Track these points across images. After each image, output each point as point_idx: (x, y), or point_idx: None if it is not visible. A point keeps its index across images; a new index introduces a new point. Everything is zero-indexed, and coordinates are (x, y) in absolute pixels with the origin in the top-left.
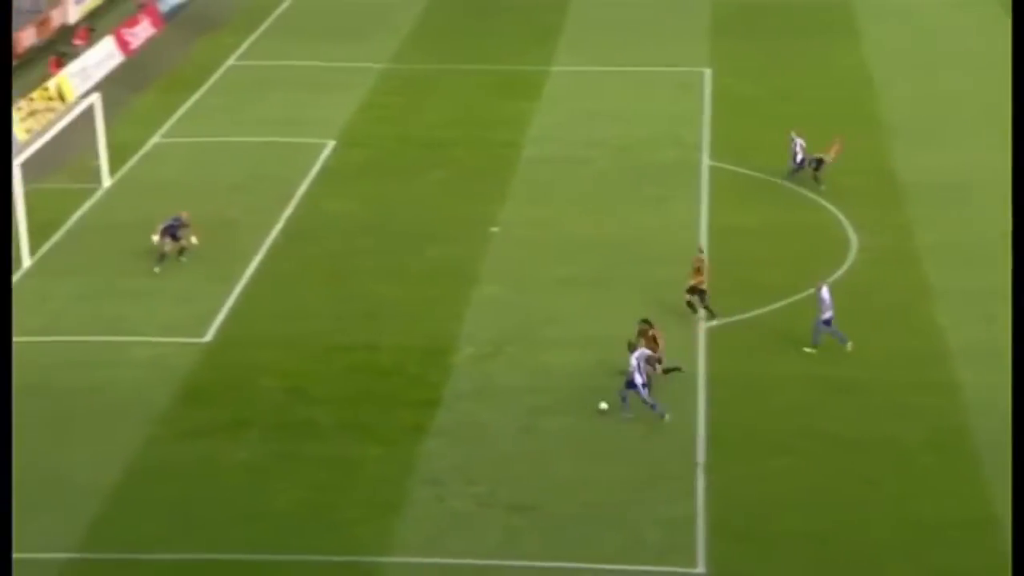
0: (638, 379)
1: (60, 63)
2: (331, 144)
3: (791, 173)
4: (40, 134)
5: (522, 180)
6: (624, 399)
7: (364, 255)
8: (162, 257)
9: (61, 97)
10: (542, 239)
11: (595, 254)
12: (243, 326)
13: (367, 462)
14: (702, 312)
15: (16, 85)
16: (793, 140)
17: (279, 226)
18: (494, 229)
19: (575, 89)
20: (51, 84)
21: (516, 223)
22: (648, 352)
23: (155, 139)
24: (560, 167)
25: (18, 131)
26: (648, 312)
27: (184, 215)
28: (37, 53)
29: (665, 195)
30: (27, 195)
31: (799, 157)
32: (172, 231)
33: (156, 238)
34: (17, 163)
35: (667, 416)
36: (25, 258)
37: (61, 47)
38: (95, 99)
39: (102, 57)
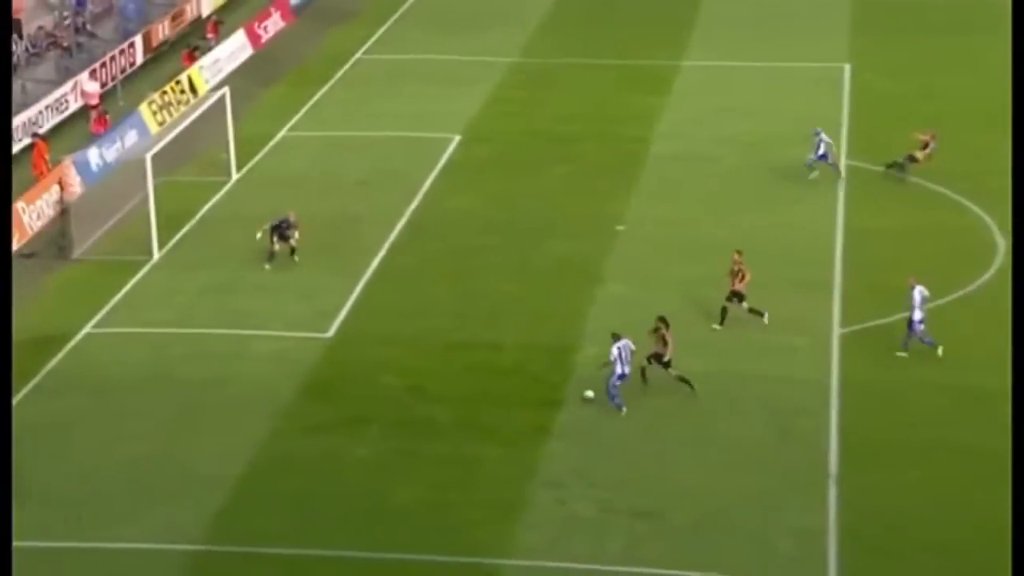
0: (618, 368)
1: (193, 57)
2: (456, 139)
3: (810, 164)
4: (172, 127)
5: (649, 177)
6: (616, 396)
7: (487, 252)
8: (271, 256)
9: (193, 90)
10: (668, 238)
11: (722, 255)
12: (365, 322)
13: (487, 462)
14: (741, 315)
15: (149, 78)
16: (817, 134)
17: (403, 222)
18: (620, 227)
19: (706, 84)
20: (183, 77)
21: (642, 221)
22: (632, 346)
23: (283, 132)
24: (689, 164)
25: (151, 123)
26: (776, 314)
27: (292, 216)
28: (171, 47)
29: (798, 195)
30: (157, 188)
31: (821, 151)
32: (281, 231)
33: (260, 235)
34: (149, 156)
35: (624, 410)
36: (154, 250)
37: (194, 40)
38: (225, 92)
39: (233, 50)
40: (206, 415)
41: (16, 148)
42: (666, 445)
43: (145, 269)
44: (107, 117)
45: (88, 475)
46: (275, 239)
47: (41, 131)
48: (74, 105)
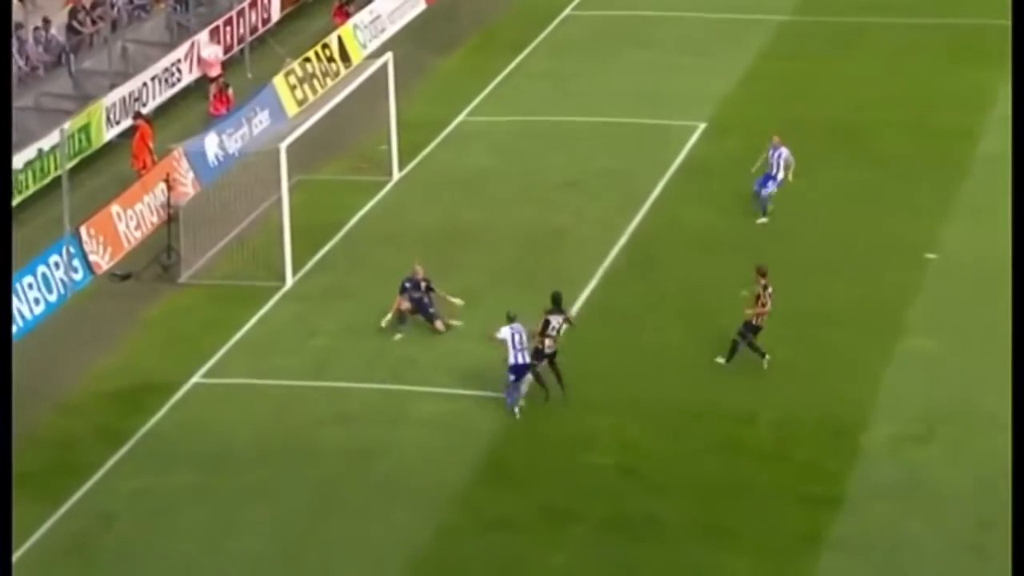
0: (510, 357)
1: (346, 12)
2: (700, 128)
3: (758, 189)
4: (314, 107)
5: (974, 186)
6: (513, 392)
7: (735, 286)
8: (402, 319)
9: (345, 58)
10: (996, 273)
11: None
12: (567, 378)
13: None
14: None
15: (288, 41)
16: (775, 148)
17: (622, 241)
18: (930, 256)
19: None
20: (332, 40)
21: (960, 248)
22: (525, 330)
23: (462, 116)
24: None
25: (288, 102)
26: None
27: (418, 271)
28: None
29: None
30: (293, 189)
31: (775, 172)
32: (414, 299)
33: (385, 323)
34: (283, 146)
35: (517, 413)
36: (287, 274)
37: None
38: (387, 61)
39: (399, 4)
40: (348, 500)
41: (111, 133)
42: (994, 566)
43: (274, 299)
44: (230, 93)
45: None
46: (406, 305)
47: (144, 110)
48: (188, 77)
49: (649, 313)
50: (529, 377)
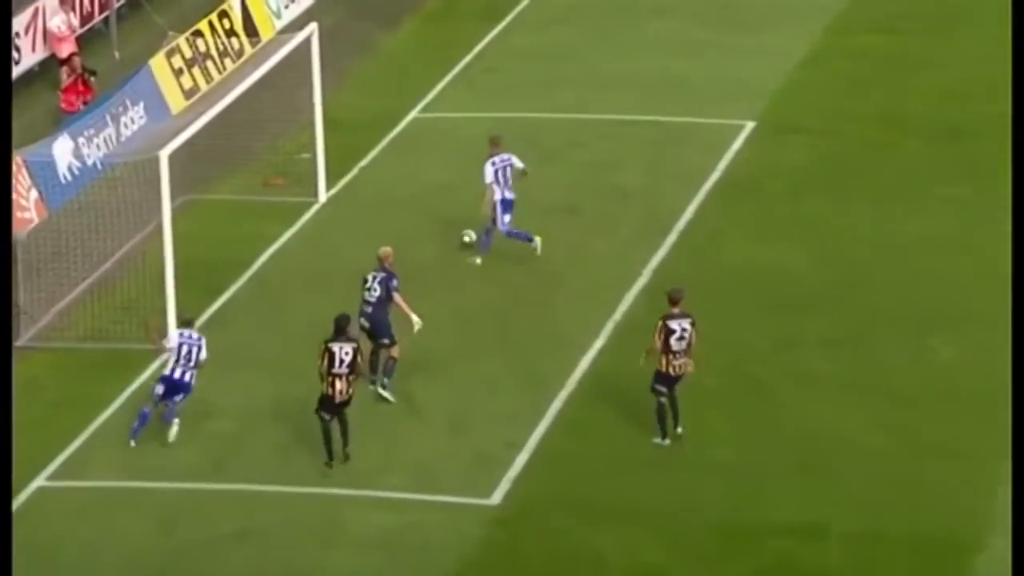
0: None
1: None
2: (746, 129)
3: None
4: (208, 100)
5: None
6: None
7: (798, 348)
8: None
9: (250, 31)
10: None
11: None
12: (563, 476)
13: None
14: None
15: (175, 7)
16: (498, 159)
17: (639, 286)
18: None
19: None
20: (233, 5)
21: None
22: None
23: (413, 112)
24: None
25: (171, 93)
26: None
27: (385, 254)
28: None
29: None
30: (180, 213)
31: (504, 193)
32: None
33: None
34: (164, 153)
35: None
36: (169, 333)
37: None
38: (310, 35)
39: None
40: None
41: None
42: None
43: (152, 367)
44: (90, 80)
45: None
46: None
47: None
48: (30, 57)
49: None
50: (175, 403)
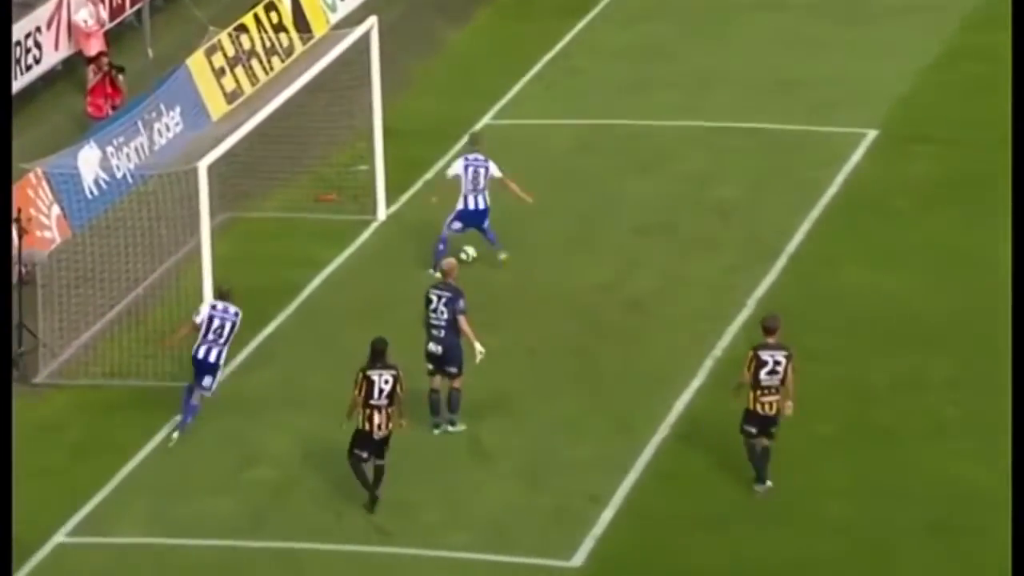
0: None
1: None
2: (867, 138)
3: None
4: (253, 105)
5: None
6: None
7: (937, 391)
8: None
9: (301, 25)
10: None
11: None
12: (652, 535)
13: None
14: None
15: (209, 2)
16: (479, 164)
17: (740, 320)
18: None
19: None
20: None
21: None
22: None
23: (486, 118)
24: None
25: (211, 96)
26: None
27: (450, 267)
28: None
29: None
30: (220, 232)
31: (474, 203)
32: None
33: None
34: (203, 165)
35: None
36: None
37: None
38: (369, 30)
39: None
40: None
41: None
42: None
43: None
44: (119, 80)
45: None
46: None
47: None
48: (53, 55)
49: (797, 445)
50: (206, 389)
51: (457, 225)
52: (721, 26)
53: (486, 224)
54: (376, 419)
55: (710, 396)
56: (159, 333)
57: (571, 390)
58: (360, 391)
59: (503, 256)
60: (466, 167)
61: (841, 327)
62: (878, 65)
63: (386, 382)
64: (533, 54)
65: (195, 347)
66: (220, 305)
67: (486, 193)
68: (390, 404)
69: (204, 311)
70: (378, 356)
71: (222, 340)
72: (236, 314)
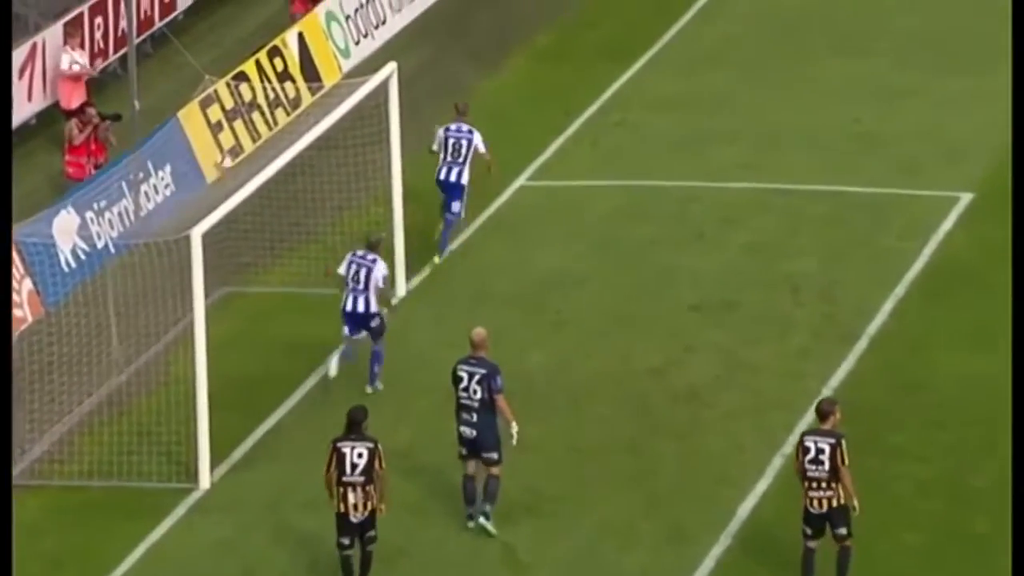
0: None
1: None
2: (962, 203)
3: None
4: (254, 163)
5: None
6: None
7: None
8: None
9: (309, 73)
10: None
11: None
12: None
13: None
14: None
15: (212, 43)
16: (462, 135)
17: (810, 413)
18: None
19: None
20: (288, 41)
21: None
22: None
23: (520, 180)
24: None
25: (205, 154)
26: None
27: (480, 339)
28: None
29: None
30: (217, 310)
31: (459, 175)
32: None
33: None
34: (198, 231)
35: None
36: (202, 467)
37: None
38: (388, 78)
39: None
40: None
41: None
42: None
43: (178, 511)
44: (108, 135)
45: None
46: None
47: None
48: (28, 107)
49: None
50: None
51: (457, 205)
52: (791, 74)
53: (455, 206)
54: (351, 498)
55: (778, 500)
56: (145, 426)
57: (618, 492)
58: (330, 466)
59: (437, 260)
60: (446, 137)
61: (931, 420)
62: (973, 120)
63: (360, 456)
64: (575, 105)
65: (342, 301)
66: (359, 252)
67: (466, 167)
68: (367, 482)
69: (344, 263)
70: (353, 427)
71: (361, 286)
72: (373, 260)
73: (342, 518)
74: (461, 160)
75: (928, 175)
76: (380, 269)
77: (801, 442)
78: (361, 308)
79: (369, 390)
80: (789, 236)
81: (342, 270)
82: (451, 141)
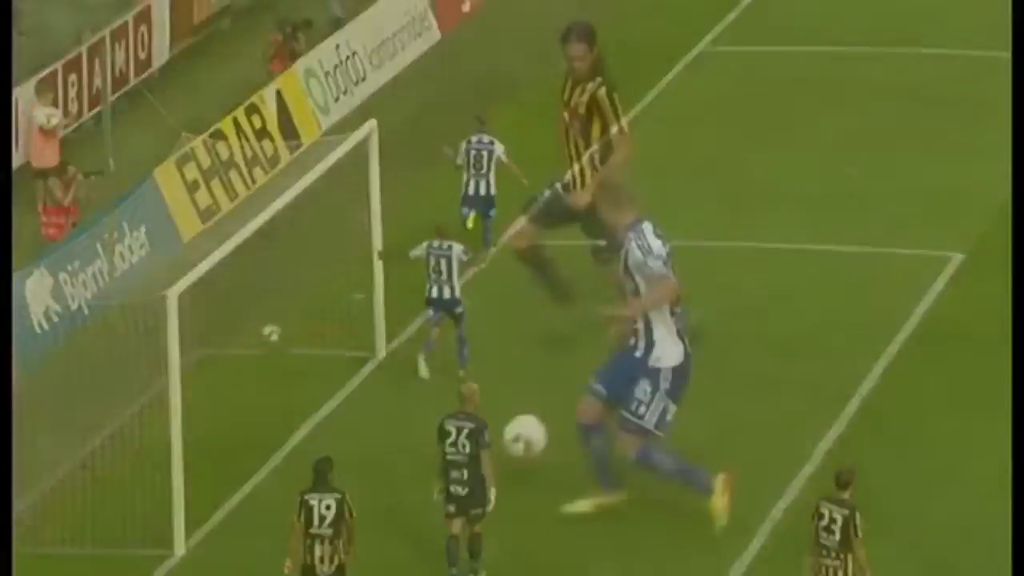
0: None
1: (291, 50)
2: (952, 263)
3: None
4: (231, 224)
5: None
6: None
7: None
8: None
9: (287, 131)
10: None
11: None
12: None
13: None
14: None
15: (188, 100)
16: (483, 147)
17: (805, 471)
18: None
19: None
20: (267, 98)
21: None
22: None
23: (506, 236)
24: None
25: (181, 214)
26: None
27: (471, 393)
28: (234, 21)
29: None
30: (193, 373)
31: (479, 188)
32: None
33: None
34: (174, 292)
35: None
36: (178, 534)
37: (291, 15)
38: (368, 136)
39: (391, 31)
40: None
41: None
42: None
43: None
44: (85, 193)
45: None
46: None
47: None
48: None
49: None
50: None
51: (465, 210)
52: (779, 129)
53: (492, 212)
54: (318, 551)
55: (772, 564)
56: (117, 494)
57: (606, 561)
58: (298, 518)
59: (492, 251)
60: (468, 150)
61: (926, 488)
62: (967, 176)
63: (327, 508)
64: (560, 161)
65: (427, 291)
66: (435, 243)
67: (491, 177)
68: (335, 535)
69: (419, 251)
70: (319, 478)
71: (443, 276)
72: (449, 247)
73: (309, 570)
74: (484, 171)
75: (920, 233)
76: (457, 251)
77: (816, 507)
78: (447, 295)
79: (462, 373)
80: (776, 297)
81: (418, 253)
82: (472, 153)
